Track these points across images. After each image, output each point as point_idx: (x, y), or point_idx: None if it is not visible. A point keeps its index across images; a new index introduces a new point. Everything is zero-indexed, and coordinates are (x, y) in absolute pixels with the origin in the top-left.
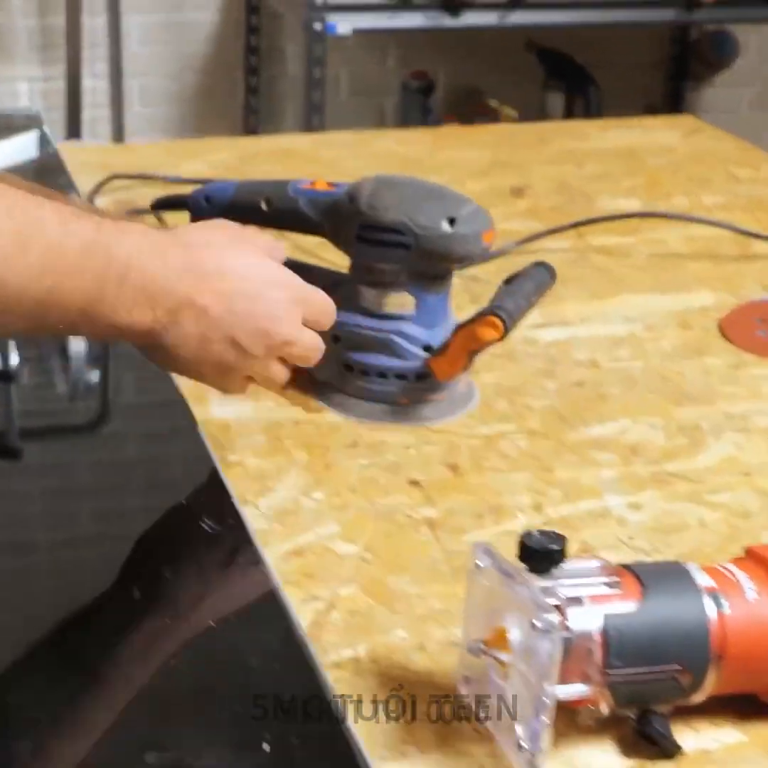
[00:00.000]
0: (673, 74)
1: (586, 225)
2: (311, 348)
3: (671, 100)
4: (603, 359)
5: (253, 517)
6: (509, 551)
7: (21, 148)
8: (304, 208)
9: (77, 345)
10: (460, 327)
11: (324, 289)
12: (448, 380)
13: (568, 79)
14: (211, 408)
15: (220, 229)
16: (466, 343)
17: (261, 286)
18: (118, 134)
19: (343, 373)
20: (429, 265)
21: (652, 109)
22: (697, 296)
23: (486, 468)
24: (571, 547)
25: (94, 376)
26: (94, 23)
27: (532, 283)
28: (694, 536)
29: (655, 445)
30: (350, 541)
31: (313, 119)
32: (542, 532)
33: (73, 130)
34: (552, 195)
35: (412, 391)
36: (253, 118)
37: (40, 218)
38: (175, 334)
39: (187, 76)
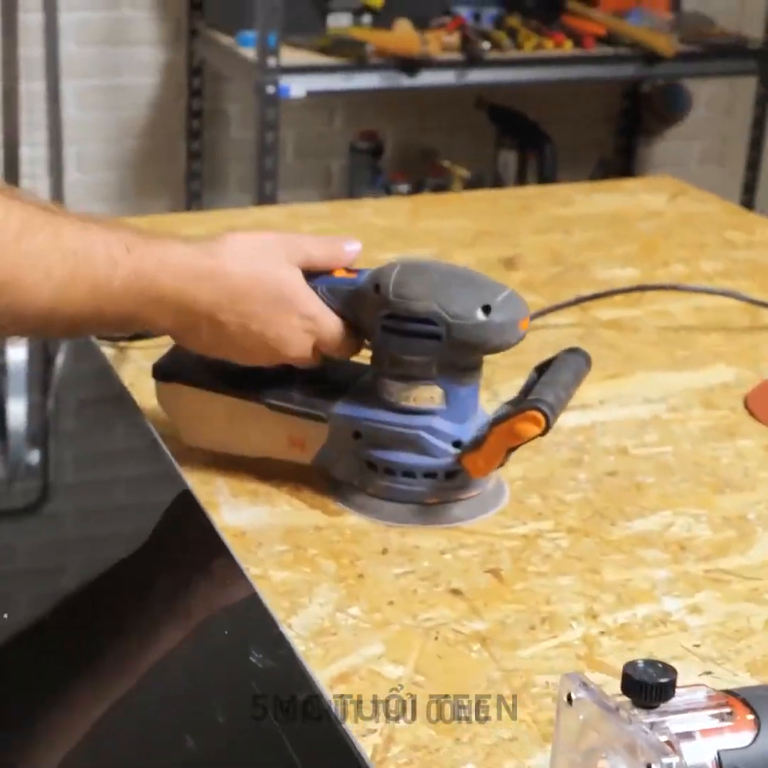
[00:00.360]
0: (625, 128)
1: (591, 300)
2: (310, 366)
3: (624, 155)
4: (631, 445)
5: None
6: (571, 667)
7: None
8: (323, 297)
9: (16, 423)
10: (496, 422)
11: (345, 384)
12: (482, 478)
13: (521, 137)
14: (223, 514)
15: (262, 247)
16: (504, 439)
17: (280, 315)
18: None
19: (365, 472)
20: (461, 356)
21: (605, 164)
22: (716, 372)
23: (530, 572)
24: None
25: (34, 456)
26: (31, 89)
27: (569, 372)
28: (762, 641)
29: (703, 540)
30: (398, 663)
31: (265, 186)
32: (647, 662)
33: None
34: (545, 266)
35: (441, 490)
36: (196, 184)
37: (91, 260)
38: (193, 336)
39: (126, 141)
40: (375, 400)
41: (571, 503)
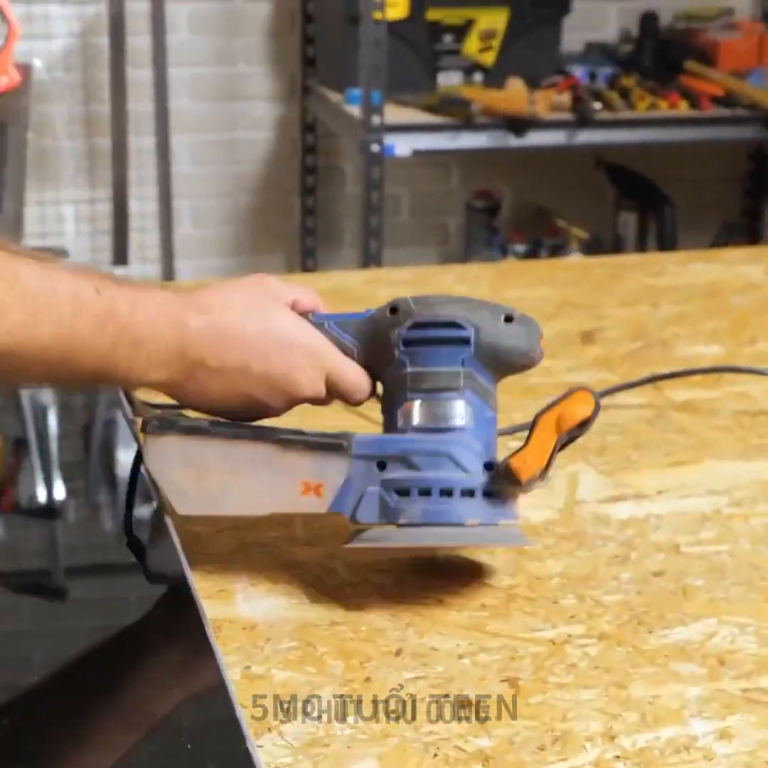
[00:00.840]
0: (751, 190)
1: (666, 379)
2: (326, 405)
3: (750, 217)
4: (685, 542)
5: (275, 750)
6: None
7: None
8: (332, 331)
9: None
10: (541, 413)
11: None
12: (532, 479)
13: (641, 198)
14: (238, 604)
15: (248, 288)
16: (553, 427)
17: (280, 352)
18: (168, 258)
19: (394, 504)
20: (489, 364)
21: (729, 227)
22: None
23: (550, 683)
24: None
25: (143, 508)
26: (141, 144)
27: None
28: None
29: (745, 654)
30: None
31: (370, 245)
32: None
33: (120, 255)
34: (626, 341)
35: (480, 510)
36: (310, 240)
37: (52, 301)
38: (192, 388)
39: (240, 196)
40: (395, 430)
41: (608, 606)
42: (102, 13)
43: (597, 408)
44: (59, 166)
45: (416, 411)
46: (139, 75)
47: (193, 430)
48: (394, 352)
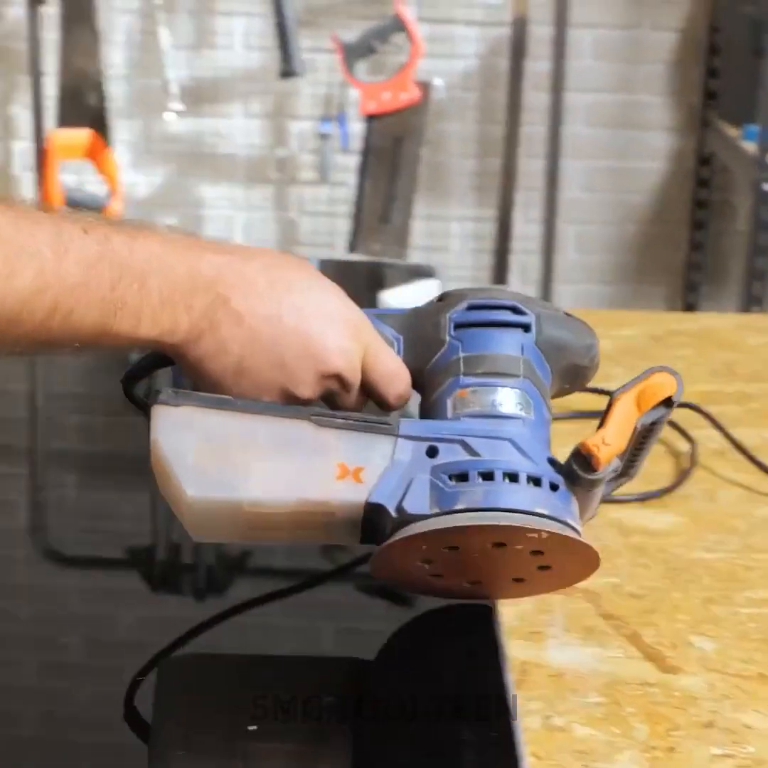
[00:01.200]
0: None
1: None
2: (359, 403)
3: None
4: None
5: None
6: None
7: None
8: (373, 323)
9: None
10: (618, 393)
11: None
12: (609, 467)
13: None
14: (548, 649)
15: (278, 253)
16: (634, 403)
17: (313, 312)
18: (548, 282)
19: (449, 489)
20: (550, 355)
21: None
22: None
23: None
24: None
25: None
26: (532, 167)
27: None
28: None
29: None
30: None
31: (754, 286)
32: None
33: (500, 274)
34: None
35: (546, 501)
36: (696, 274)
37: (29, 243)
38: (212, 343)
39: (627, 225)
40: (446, 415)
41: None
42: (504, 36)
43: (681, 386)
44: (450, 183)
45: (471, 398)
46: (537, 99)
47: (213, 402)
48: (444, 336)
